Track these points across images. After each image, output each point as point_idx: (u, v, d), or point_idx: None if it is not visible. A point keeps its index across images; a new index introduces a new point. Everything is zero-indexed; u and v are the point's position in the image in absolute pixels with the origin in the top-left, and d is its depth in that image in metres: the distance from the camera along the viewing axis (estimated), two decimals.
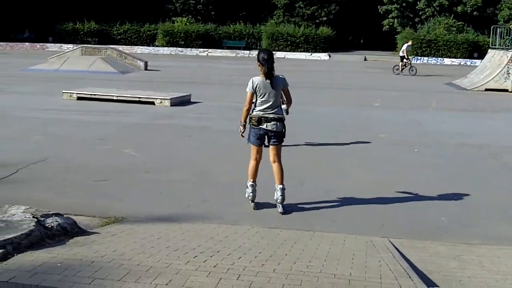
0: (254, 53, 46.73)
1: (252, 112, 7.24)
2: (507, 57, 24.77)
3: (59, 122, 13.52)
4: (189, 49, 50.17)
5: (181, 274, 4.43)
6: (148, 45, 52.07)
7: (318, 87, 24.11)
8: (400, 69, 32.63)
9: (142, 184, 8.42)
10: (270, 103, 7.16)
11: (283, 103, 7.89)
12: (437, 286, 4.76)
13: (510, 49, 26.42)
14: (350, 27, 58.40)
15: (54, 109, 15.37)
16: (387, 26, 52.99)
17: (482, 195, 8.40)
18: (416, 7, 51.01)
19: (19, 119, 13.88)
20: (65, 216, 5.99)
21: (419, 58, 46.73)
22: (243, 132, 7.43)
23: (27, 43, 51.19)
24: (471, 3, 49.20)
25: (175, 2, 54.39)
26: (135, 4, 53.19)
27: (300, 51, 49.36)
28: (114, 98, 16.85)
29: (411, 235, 6.59)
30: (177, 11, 54.55)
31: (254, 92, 7.18)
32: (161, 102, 16.51)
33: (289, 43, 49.95)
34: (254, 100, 7.24)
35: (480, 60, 34.72)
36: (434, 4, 49.75)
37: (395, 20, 52.02)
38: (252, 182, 7.50)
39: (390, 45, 53.59)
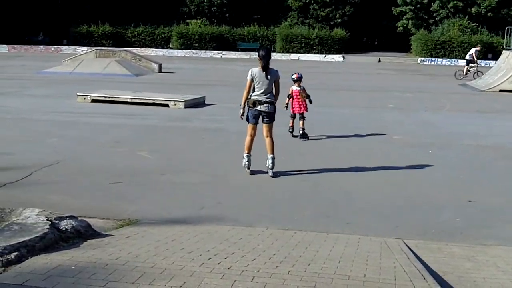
0: None
1: (250, 97, 9.01)
2: None
3: (73, 125, 13.60)
4: (203, 51, 50.27)
5: (195, 276, 4.43)
6: (163, 48, 52.23)
7: (333, 88, 24.06)
8: (464, 73, 30.82)
9: (157, 186, 8.45)
10: (264, 89, 8.94)
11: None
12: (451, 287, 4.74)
13: None
14: (364, 29, 58.24)
15: (69, 112, 15.47)
16: (401, 28, 52.78)
17: (497, 196, 8.35)
18: (430, 9, 50.75)
19: (33, 122, 13.98)
20: (79, 218, 6.02)
21: (433, 59, 46.53)
22: (242, 114, 9.21)
23: (41, 46, 51.56)
24: (485, 4, 48.86)
25: (189, 4, 54.54)
26: (149, 6, 53.40)
27: (314, 53, 49.30)
28: (128, 100, 16.92)
29: (425, 236, 6.56)
30: (191, 13, 54.70)
31: (252, 80, 8.97)
32: (175, 104, 16.56)
33: (303, 45, 49.90)
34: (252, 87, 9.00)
35: (494, 61, 34.44)
36: (448, 6, 49.47)
37: (409, 21, 51.80)
38: (247, 153, 9.28)
39: (404, 47, 53.38)
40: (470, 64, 31.22)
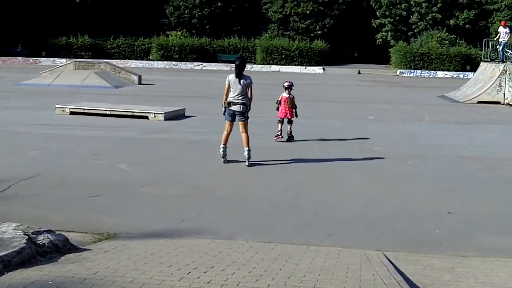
0: (249, 66, 46.86)
1: (226, 98, 10.75)
2: (499, 69, 24.91)
3: (52, 137, 13.46)
4: (184, 63, 50.20)
5: None
6: (142, 59, 52.07)
7: (313, 100, 24.12)
8: None
9: (136, 199, 8.38)
10: (237, 92, 10.69)
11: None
12: None
13: (497, 60, 26.55)
14: (344, 41, 58.60)
15: (47, 124, 15.32)
16: (381, 40, 53.23)
17: (476, 207, 8.41)
18: (409, 21, 51.28)
19: (12, 134, 13.82)
20: (57, 232, 5.94)
21: (412, 71, 46.93)
22: (224, 112, 10.96)
23: (20, 58, 51.09)
24: (463, 17, 49.52)
25: (169, 16, 54.51)
26: (129, 18, 53.26)
27: (295, 65, 49.48)
28: (108, 112, 16.82)
29: (405, 247, 6.58)
30: (171, 25, 54.66)
31: (229, 85, 10.75)
32: (155, 116, 16.49)
33: (283, 56, 50.07)
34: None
35: (472, 73, 34.87)
36: (427, 18, 50.04)
37: (388, 33, 52.27)
38: (223, 145, 10.94)
39: (383, 59, 53.81)
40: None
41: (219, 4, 53.38)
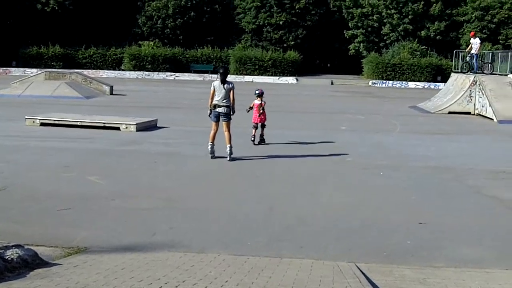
0: None
1: (212, 101, 12.25)
2: (470, 80, 25.25)
3: (21, 149, 13.26)
4: (156, 73, 50.03)
5: None
6: (114, 69, 51.75)
7: (286, 111, 24.20)
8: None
9: (107, 212, 8.28)
10: (221, 96, 12.28)
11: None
12: None
13: (466, 72, 26.94)
14: (317, 51, 58.98)
15: (17, 136, 15.11)
16: (353, 51, 53.69)
17: (447, 217, 8.48)
18: (381, 32, 51.84)
19: None
20: (26, 247, 5.84)
21: (384, 82, 47.38)
22: (210, 114, 12.44)
23: None
24: (434, 28, 50.22)
25: (142, 26, 54.31)
26: (101, 27, 52.91)
27: (268, 75, 49.61)
28: (79, 123, 16.65)
29: (377, 259, 6.60)
30: (144, 35, 54.46)
31: (214, 90, 12.33)
32: (126, 128, 16.36)
33: (257, 67, 50.19)
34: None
35: (443, 84, 35.30)
36: (398, 29, 50.64)
37: (361, 44, 52.76)
38: (211, 143, 12.46)
39: (356, 69, 54.24)
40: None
41: (192, 14, 53.36)
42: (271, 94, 31.40)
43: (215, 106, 12.31)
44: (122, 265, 5.82)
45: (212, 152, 12.44)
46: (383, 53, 51.02)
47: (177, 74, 49.69)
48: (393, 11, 50.30)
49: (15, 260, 5.46)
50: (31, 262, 5.60)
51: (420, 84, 46.67)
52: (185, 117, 20.63)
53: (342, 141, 15.98)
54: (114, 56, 52.74)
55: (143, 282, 5.02)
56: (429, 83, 46.50)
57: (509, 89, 24.38)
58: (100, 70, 50.13)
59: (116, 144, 14.31)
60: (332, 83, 47.43)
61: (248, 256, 6.39)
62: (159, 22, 53.89)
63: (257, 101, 14.76)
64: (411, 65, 47.88)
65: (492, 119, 22.43)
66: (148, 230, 7.40)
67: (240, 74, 49.19)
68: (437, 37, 50.48)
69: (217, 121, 12.38)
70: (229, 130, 12.37)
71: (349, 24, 52.67)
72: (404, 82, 47.33)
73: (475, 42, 26.84)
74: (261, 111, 14.70)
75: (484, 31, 48.55)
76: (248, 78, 48.10)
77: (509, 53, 27.32)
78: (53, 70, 38.13)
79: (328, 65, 65.53)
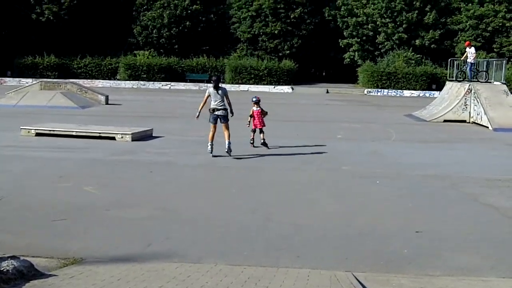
0: None
1: (210, 105, 13.65)
2: (465, 88, 25.33)
3: (17, 159, 13.22)
4: (152, 82, 50.01)
5: None
6: (110, 79, 51.72)
7: (281, 119, 24.20)
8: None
9: (103, 222, 8.25)
10: (218, 101, 13.70)
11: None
12: None
13: (461, 80, 27.01)
14: (312, 60, 59.12)
15: (12, 146, 15.07)
16: (348, 59, 53.83)
17: (444, 226, 8.48)
18: (376, 41, 52.01)
19: None
20: (21, 258, 5.81)
21: (379, 90, 47.48)
22: (197, 116, 13.79)
23: None
24: (429, 37, 50.41)
25: (137, 36, 54.34)
26: (96, 37, 52.92)
27: (264, 84, 49.66)
28: (74, 133, 16.61)
29: (374, 267, 6.58)
30: (139, 45, 54.48)
31: (209, 95, 13.74)
32: (122, 137, 16.33)
33: (252, 76, 50.23)
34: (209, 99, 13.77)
35: (438, 92, 35.43)
36: (393, 38, 50.83)
37: (356, 53, 52.91)
38: (211, 142, 13.73)
39: (351, 78, 54.37)
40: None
41: (187, 23, 53.44)
42: (267, 103, 31.43)
43: (213, 110, 13.68)
44: (118, 276, 5.79)
45: (212, 150, 13.74)
46: (378, 61, 51.16)
47: (172, 83, 49.70)
48: (387, 20, 50.51)
49: (10, 271, 5.43)
50: (26, 273, 5.57)
51: (415, 93, 46.80)
52: (180, 127, 20.61)
53: (338, 150, 15.99)
54: (109, 66, 52.74)
55: None
56: (424, 92, 46.64)
57: (504, 97, 24.48)
58: (96, 80, 50.11)
59: (112, 154, 14.28)
60: (327, 92, 47.51)
61: (245, 266, 6.37)
62: (154, 31, 53.94)
63: (255, 108, 15.64)
64: (406, 73, 48.01)
65: (488, 127, 22.49)
66: (144, 240, 7.37)
67: (236, 83, 49.23)
68: (432, 46, 50.67)
69: (215, 123, 13.71)
70: (228, 129, 13.71)
71: (344, 33, 52.83)
72: (399, 90, 47.45)
73: (471, 51, 26.93)
74: (262, 115, 15.70)
75: (478, 39, 48.81)
76: (243, 87, 48.13)
77: (504, 62, 27.43)
78: (49, 80, 38.14)
79: (324, 73, 65.69)
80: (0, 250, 6.06)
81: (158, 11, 53.63)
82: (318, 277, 6.00)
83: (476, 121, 24.21)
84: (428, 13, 50.16)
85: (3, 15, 50.99)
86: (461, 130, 22.49)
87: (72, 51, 52.18)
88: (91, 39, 52.65)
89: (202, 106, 13.80)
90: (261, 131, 15.52)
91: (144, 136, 17.01)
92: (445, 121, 24.75)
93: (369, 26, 51.37)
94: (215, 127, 13.75)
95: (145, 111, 26.95)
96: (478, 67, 27.84)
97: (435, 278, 6.35)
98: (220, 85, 13.90)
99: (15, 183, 10.74)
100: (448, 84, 28.34)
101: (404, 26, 50.29)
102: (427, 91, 46.56)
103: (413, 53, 49.91)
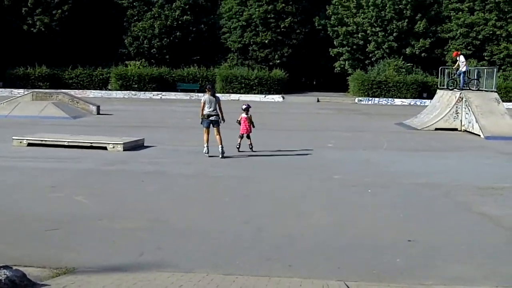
0: None
1: (204, 112, 15.29)
2: (456, 97, 25.45)
3: (8, 170, 13.17)
4: (143, 92, 49.97)
5: None
6: (101, 89, 51.65)
7: (272, 128, 24.26)
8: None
9: (95, 232, 8.23)
10: (212, 108, 15.30)
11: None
12: None
13: (452, 88, 27.17)
14: (302, 69, 59.28)
15: (4, 156, 15.00)
16: (339, 68, 54.02)
17: (436, 235, 8.49)
18: (366, 50, 52.25)
19: None
20: (14, 268, 5.79)
21: (370, 99, 47.64)
22: (202, 122, 15.45)
23: None
24: (419, 45, 50.68)
25: (128, 46, 54.37)
26: (88, 48, 52.90)
27: (254, 93, 49.72)
28: (66, 143, 16.57)
29: (367, 277, 6.58)
30: (130, 55, 54.51)
31: (205, 102, 15.32)
32: (113, 147, 16.31)
33: (243, 85, 50.31)
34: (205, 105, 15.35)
35: (429, 100, 35.55)
36: (383, 47, 51.09)
37: (346, 62, 53.11)
38: (206, 144, 15.28)
39: (342, 87, 54.53)
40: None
41: (178, 34, 53.53)
42: (258, 112, 31.48)
43: (208, 116, 15.30)
44: (110, 285, 5.78)
45: (208, 151, 15.25)
46: (368, 70, 51.37)
47: (163, 93, 49.68)
48: (378, 29, 50.80)
49: (3, 281, 5.41)
50: (19, 283, 5.55)
51: (406, 101, 47.00)
52: (172, 136, 20.60)
53: (329, 159, 16.02)
54: (100, 76, 52.68)
55: None
56: (415, 100, 46.83)
57: (495, 105, 24.60)
58: (87, 90, 50.02)
59: (103, 163, 14.25)
60: (318, 101, 47.63)
61: (236, 276, 6.36)
62: (145, 42, 54.00)
63: (244, 115, 16.60)
64: (396, 82, 48.20)
65: (479, 135, 22.57)
66: (136, 250, 7.36)
67: (227, 93, 49.27)
68: (422, 54, 50.95)
69: (209, 127, 15.37)
70: (220, 134, 15.28)
71: (334, 42, 53.02)
72: (390, 99, 47.62)
73: (462, 60, 27.08)
74: (249, 123, 16.58)
75: (469, 47, 49.10)
76: (234, 96, 48.18)
77: (495, 69, 27.58)
78: (40, 90, 37.99)
79: (314, 82, 65.87)
80: None
81: (149, 21, 53.72)
82: (310, 287, 6.02)
83: (467, 129, 24.31)
84: (419, 22, 50.44)
85: None
86: (452, 138, 22.57)
87: (64, 62, 52.12)
88: (82, 50, 52.63)
89: (202, 112, 15.40)
90: (248, 137, 16.50)
91: (135, 146, 16.99)
92: (436, 129, 24.83)
93: (360, 35, 51.63)
94: (208, 131, 15.38)
95: (136, 121, 26.93)
96: (470, 75, 28.00)
97: (428, 287, 6.36)
98: (215, 94, 15.66)
99: (7, 193, 10.69)
100: (439, 92, 28.48)
101: (394, 34, 50.56)
102: (418, 100, 46.77)
103: (403, 62, 50.15)
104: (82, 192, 10.73)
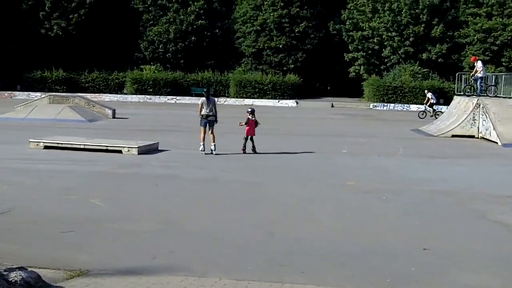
0: (222, 100, 46.99)
1: (201, 112, 16.85)
2: (473, 103, 25.19)
3: (25, 172, 13.27)
4: (158, 96, 50.19)
5: None
6: (117, 93, 51.95)
7: (286, 133, 24.25)
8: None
9: (109, 234, 8.26)
10: (208, 109, 16.85)
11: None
12: None
13: (469, 94, 26.97)
14: (317, 74, 59.16)
15: (21, 159, 15.13)
16: (353, 73, 53.84)
17: (451, 243, 8.41)
18: (382, 55, 52.00)
19: None
20: (29, 269, 5.82)
21: (385, 104, 47.41)
22: (200, 122, 16.90)
23: None
24: (435, 51, 50.27)
25: (144, 51, 54.64)
26: (104, 52, 53.25)
27: (268, 98, 49.75)
28: (82, 146, 16.68)
29: (381, 285, 6.53)
30: (146, 59, 54.78)
31: (202, 104, 16.89)
32: (128, 151, 16.38)
33: (256, 90, 50.35)
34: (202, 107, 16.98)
35: (446, 107, 35.37)
36: (399, 52, 50.77)
37: (361, 67, 52.92)
38: (203, 142, 16.68)
39: (356, 92, 54.33)
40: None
41: (193, 38, 53.71)
42: (271, 117, 31.54)
43: (206, 116, 16.81)
44: None
45: (204, 149, 16.61)
46: (384, 75, 51.12)
47: (178, 97, 49.85)
48: (393, 33, 50.52)
49: (18, 282, 5.44)
50: (34, 285, 5.57)
51: (422, 107, 46.63)
52: (186, 140, 20.64)
53: (343, 165, 15.97)
54: (116, 80, 53.03)
55: None
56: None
57: None
58: (103, 94, 50.35)
59: (118, 167, 14.32)
60: (332, 106, 47.54)
61: (249, 281, 6.35)
62: (160, 46, 54.23)
63: (251, 117, 17.30)
64: (412, 87, 47.86)
65: (496, 143, 22.23)
66: (149, 253, 7.38)
67: (240, 97, 49.35)
68: (439, 60, 50.54)
69: (205, 126, 16.82)
70: (213, 132, 16.79)
71: (349, 47, 52.86)
72: (405, 105, 47.28)
73: (479, 65, 26.85)
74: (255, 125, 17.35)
75: (486, 53, 48.50)
76: (248, 101, 48.17)
77: None
78: (57, 94, 38.36)
79: (328, 87, 65.74)
80: (8, 261, 6.08)
81: (164, 26, 53.96)
82: None
83: (484, 136, 24.01)
84: (435, 27, 50.04)
85: (14, 30, 51.42)
86: (469, 145, 22.36)
87: (80, 66, 52.52)
88: (98, 54, 52.99)
89: (200, 113, 17.00)
90: (252, 139, 17.09)
91: (150, 150, 17.06)
92: (453, 136, 24.58)
93: (375, 40, 51.40)
94: (205, 130, 16.79)
95: (151, 125, 27.04)
96: (487, 81, 27.76)
97: None
98: (210, 96, 17.21)
99: (23, 195, 10.79)
100: (456, 99, 28.24)
101: (410, 39, 50.22)
102: (434, 106, 46.45)
103: (419, 67, 49.81)
104: (97, 195, 10.78)
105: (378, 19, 51.23)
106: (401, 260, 7.48)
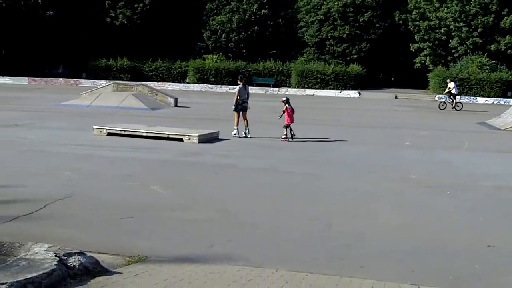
0: (283, 90, 46.90)
1: (239, 99, 18.00)
2: None
3: (88, 158, 13.58)
4: (219, 86, 50.55)
5: None
6: (179, 82, 52.62)
7: (347, 125, 23.96)
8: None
9: (167, 222, 8.33)
10: (246, 96, 18.25)
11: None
12: None
13: None
14: (380, 65, 58.31)
15: (84, 145, 15.49)
16: (419, 64, 52.77)
17: None
18: (449, 45, 50.74)
19: (49, 154, 13.99)
20: (88, 255, 5.92)
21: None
22: (235, 108, 18.20)
23: (61, 79, 52.23)
24: (505, 42, 48.66)
25: (206, 40, 55.13)
26: (167, 41, 54.00)
27: (330, 89, 49.35)
28: (143, 134, 16.93)
29: (443, 282, 6.34)
30: (208, 49, 55.27)
31: (239, 91, 18.16)
32: (189, 139, 16.52)
33: (318, 80, 50.02)
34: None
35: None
36: (467, 42, 49.40)
37: (427, 58, 51.81)
38: (237, 127, 18.02)
39: (421, 83, 53.28)
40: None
41: (255, 28, 53.79)
42: (333, 108, 31.24)
43: (242, 102, 18.14)
44: (180, 276, 5.81)
45: (238, 133, 17.88)
46: (450, 67, 49.90)
47: None
48: (461, 24, 49.17)
49: (77, 267, 5.54)
50: (92, 270, 5.67)
51: (489, 100, 45.37)
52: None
53: (405, 158, 15.65)
54: (179, 69, 53.69)
55: None
56: (499, 99, 45.20)
57: None
58: (166, 83, 51.08)
59: (179, 155, 14.46)
60: (396, 97, 46.78)
61: (306, 273, 6.26)
62: (223, 36, 54.58)
63: (288, 106, 17.90)
64: (480, 80, 46.59)
65: None
66: (206, 242, 7.39)
67: (301, 87, 49.11)
68: (508, 52, 48.92)
69: (240, 112, 18.08)
70: (246, 118, 18.11)
71: (415, 37, 51.83)
72: (472, 97, 46.02)
73: None
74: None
75: None
76: (309, 91, 47.94)
77: None
78: (121, 82, 39.14)
79: (392, 78, 64.73)
80: (68, 245, 6.18)
81: (227, 15, 54.25)
82: None
83: None
84: (505, 17, 48.40)
85: (80, 19, 52.73)
86: None
87: (144, 55, 53.45)
88: (162, 43, 53.78)
89: (237, 100, 18.04)
90: (289, 127, 17.69)
91: (210, 138, 17.16)
92: None
93: (442, 30, 50.18)
94: (239, 115, 18.10)
95: (212, 114, 27.23)
96: None
97: None
98: (246, 84, 18.76)
99: (85, 180, 11.02)
100: None
101: (479, 30, 48.80)
102: (502, 99, 45.11)
103: (487, 59, 48.40)
104: (157, 182, 10.91)
105: (445, 9, 50.01)
106: (464, 257, 7.25)
